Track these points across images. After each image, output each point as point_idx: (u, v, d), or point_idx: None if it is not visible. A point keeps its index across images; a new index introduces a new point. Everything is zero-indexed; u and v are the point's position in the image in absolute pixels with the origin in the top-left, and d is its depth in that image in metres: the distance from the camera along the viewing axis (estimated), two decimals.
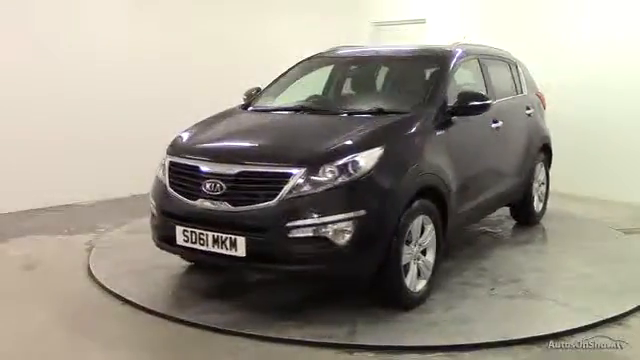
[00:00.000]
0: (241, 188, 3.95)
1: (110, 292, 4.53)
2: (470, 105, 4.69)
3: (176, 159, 4.35)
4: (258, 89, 5.45)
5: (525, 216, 6.44)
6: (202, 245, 4.00)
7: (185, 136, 4.64)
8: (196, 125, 4.85)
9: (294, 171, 3.86)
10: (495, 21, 8.63)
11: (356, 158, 3.93)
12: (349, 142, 4.08)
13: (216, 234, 3.94)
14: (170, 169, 4.33)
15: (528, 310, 4.34)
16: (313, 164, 3.89)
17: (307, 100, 5.33)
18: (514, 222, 6.54)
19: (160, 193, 4.36)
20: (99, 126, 7.32)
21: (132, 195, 7.62)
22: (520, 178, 6.02)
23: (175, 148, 4.50)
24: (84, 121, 7.21)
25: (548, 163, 6.74)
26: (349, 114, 4.79)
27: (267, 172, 3.96)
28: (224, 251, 3.92)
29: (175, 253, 4.49)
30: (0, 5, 6.63)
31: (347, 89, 5.70)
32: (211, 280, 4.80)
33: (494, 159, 5.56)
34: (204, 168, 4.11)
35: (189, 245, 4.08)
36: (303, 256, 3.85)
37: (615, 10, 7.53)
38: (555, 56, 7.92)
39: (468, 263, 5.18)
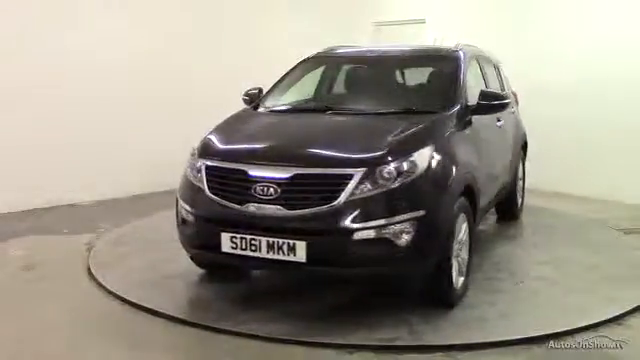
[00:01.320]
0: (297, 191, 3.83)
1: (110, 292, 4.53)
2: (491, 104, 4.75)
3: (215, 163, 4.16)
4: (260, 89, 5.35)
5: (510, 212, 6.61)
6: (254, 252, 3.85)
7: (217, 139, 4.45)
8: (220, 128, 4.68)
9: (355, 172, 3.79)
10: (495, 21, 8.63)
11: (412, 158, 3.92)
12: (403, 142, 4.06)
13: (271, 239, 3.79)
14: (208, 173, 4.14)
15: (566, 301, 4.44)
16: (373, 165, 3.83)
17: (328, 100, 5.24)
18: (494, 219, 6.66)
19: (197, 199, 4.15)
20: (99, 126, 7.32)
21: (132, 195, 7.63)
22: (511, 174, 6.18)
23: (211, 151, 4.30)
24: (84, 121, 7.21)
25: (524, 159, 6.95)
26: (379, 114, 4.70)
27: (326, 174, 3.88)
28: (281, 257, 3.78)
29: (218, 262, 4.35)
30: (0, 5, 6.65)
31: (363, 89, 5.61)
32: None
33: (499, 157, 5.67)
34: (253, 172, 3.94)
35: (238, 252, 3.90)
36: (366, 258, 3.78)
37: (614, 10, 7.53)
38: (556, 55, 7.92)
39: (479, 258, 5.18)
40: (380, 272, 3.92)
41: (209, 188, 4.08)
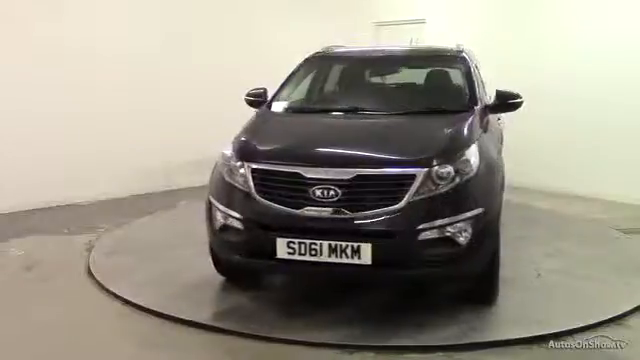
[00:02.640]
0: (359, 192, 3.77)
1: (110, 292, 4.53)
2: (508, 103, 4.78)
3: (263, 166, 3.99)
4: (264, 90, 5.18)
5: None
6: (314, 256, 3.74)
7: (258, 141, 4.30)
8: (254, 129, 4.54)
9: (417, 172, 3.77)
10: (495, 21, 8.63)
11: (465, 157, 3.94)
12: (454, 141, 4.09)
13: (333, 243, 3.71)
14: (256, 177, 3.97)
15: (588, 292, 4.55)
16: (433, 164, 3.82)
17: (352, 101, 5.11)
18: None
19: (244, 204, 3.97)
20: (99, 126, 7.32)
21: (132, 195, 7.63)
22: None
23: (255, 154, 4.12)
24: (84, 121, 7.21)
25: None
26: (410, 114, 4.69)
27: (389, 175, 3.84)
28: (344, 260, 3.71)
29: (272, 269, 4.21)
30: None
31: (382, 89, 5.62)
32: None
33: (498, 152, 5.70)
34: (310, 174, 3.82)
35: (296, 257, 3.77)
36: (430, 259, 3.77)
37: (613, 10, 7.53)
38: (556, 55, 7.92)
39: None
40: (442, 273, 3.91)
41: (259, 192, 3.92)
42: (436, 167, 3.81)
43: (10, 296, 4.59)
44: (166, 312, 4.14)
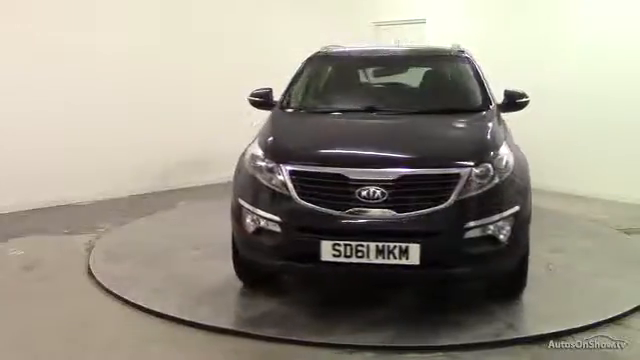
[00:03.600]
0: (404, 193, 3.77)
1: (110, 292, 4.52)
2: (517, 102, 4.86)
3: (302, 167, 3.92)
4: (270, 90, 5.09)
5: None
6: (361, 257, 3.72)
7: (290, 142, 4.27)
8: (281, 130, 4.49)
9: (461, 171, 3.82)
10: (495, 21, 8.63)
11: (500, 156, 4.03)
12: (491, 140, 4.16)
13: (380, 244, 3.70)
14: (295, 179, 3.89)
15: (601, 287, 4.64)
16: (476, 163, 3.88)
17: (368, 100, 5.06)
18: None
19: (283, 206, 3.90)
20: (99, 126, 7.31)
21: (132, 195, 7.63)
22: None
23: (291, 155, 4.03)
24: (84, 121, 7.20)
25: None
26: (429, 112, 4.71)
27: (434, 174, 3.86)
28: (391, 261, 3.71)
29: (315, 272, 4.09)
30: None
31: (393, 88, 5.61)
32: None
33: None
34: (355, 175, 3.79)
35: (342, 260, 3.74)
36: (474, 257, 3.83)
37: (613, 10, 7.53)
38: (555, 55, 7.91)
39: None
40: (485, 270, 4.01)
41: (300, 195, 3.84)
42: (478, 166, 3.88)
43: (10, 296, 4.58)
44: (166, 312, 4.13)
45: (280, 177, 3.93)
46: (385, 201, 3.74)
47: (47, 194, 6.98)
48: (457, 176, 3.80)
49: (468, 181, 3.81)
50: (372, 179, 3.78)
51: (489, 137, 4.21)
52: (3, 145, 6.65)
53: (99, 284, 4.69)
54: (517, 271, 4.20)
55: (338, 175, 3.82)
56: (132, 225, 6.41)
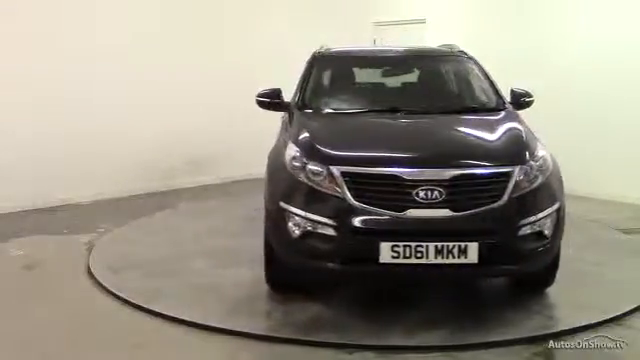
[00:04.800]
0: (460, 192, 3.81)
1: (110, 292, 4.52)
2: (524, 101, 4.99)
3: (355, 169, 3.88)
4: (279, 90, 4.98)
5: None
6: (420, 258, 3.72)
7: (334, 143, 4.16)
8: (316, 131, 4.35)
9: (513, 169, 3.91)
10: (495, 21, 8.63)
11: (540, 154, 4.14)
12: (529, 139, 4.25)
13: (439, 244, 3.71)
14: (349, 180, 3.84)
15: (601, 287, 4.70)
16: (524, 162, 3.99)
17: (390, 100, 5.10)
18: None
19: (337, 209, 3.83)
20: (99, 126, 7.31)
21: (131, 195, 7.63)
22: None
23: (343, 157, 3.99)
24: (84, 121, 7.20)
25: None
26: (453, 112, 4.82)
27: (489, 173, 3.95)
28: (450, 260, 3.72)
29: (374, 274, 4.03)
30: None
31: (406, 88, 5.64)
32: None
33: None
34: (411, 176, 3.79)
35: (401, 261, 3.73)
36: (526, 253, 3.94)
37: (613, 10, 7.54)
38: (556, 54, 7.91)
39: None
40: (535, 265, 4.09)
41: (355, 197, 3.80)
42: (526, 164, 3.98)
43: (10, 296, 4.59)
44: (166, 312, 4.13)
45: (331, 179, 3.87)
46: (443, 201, 3.77)
47: (47, 194, 6.98)
48: (508, 174, 3.89)
49: (519, 179, 3.90)
50: (428, 179, 3.80)
51: (528, 137, 4.30)
52: (3, 145, 6.65)
53: (99, 284, 4.69)
54: (552, 265, 4.29)
55: (394, 176, 3.83)
56: (132, 225, 6.41)
